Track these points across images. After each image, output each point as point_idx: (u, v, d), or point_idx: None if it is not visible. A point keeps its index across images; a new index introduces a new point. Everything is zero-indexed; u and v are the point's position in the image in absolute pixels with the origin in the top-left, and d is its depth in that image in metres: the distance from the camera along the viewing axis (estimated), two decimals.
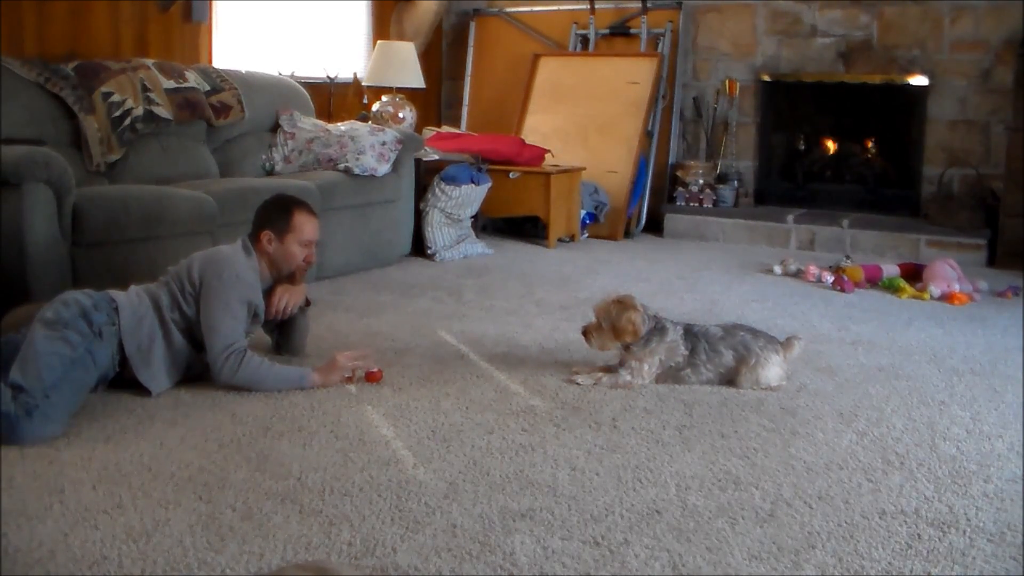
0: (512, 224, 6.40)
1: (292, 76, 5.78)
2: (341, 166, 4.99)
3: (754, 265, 5.52)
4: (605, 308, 3.19)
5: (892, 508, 2.30)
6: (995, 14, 5.93)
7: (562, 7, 7.14)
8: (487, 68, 7.39)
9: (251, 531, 2.09)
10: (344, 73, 6.41)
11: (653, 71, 6.59)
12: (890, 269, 5.07)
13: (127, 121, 4.44)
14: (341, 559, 1.99)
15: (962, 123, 6.12)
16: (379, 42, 6.42)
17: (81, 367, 2.73)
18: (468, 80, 7.44)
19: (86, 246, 3.68)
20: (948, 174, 6.14)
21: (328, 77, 6.21)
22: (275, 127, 5.28)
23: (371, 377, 3.17)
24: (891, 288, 4.84)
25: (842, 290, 4.82)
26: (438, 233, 5.50)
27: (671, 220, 6.61)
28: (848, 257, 5.45)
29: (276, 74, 5.66)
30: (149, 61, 4.76)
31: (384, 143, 5.13)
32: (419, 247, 5.51)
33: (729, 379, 3.21)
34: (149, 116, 4.55)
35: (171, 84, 4.71)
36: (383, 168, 5.09)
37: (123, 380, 2.93)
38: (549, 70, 6.96)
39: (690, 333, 3.23)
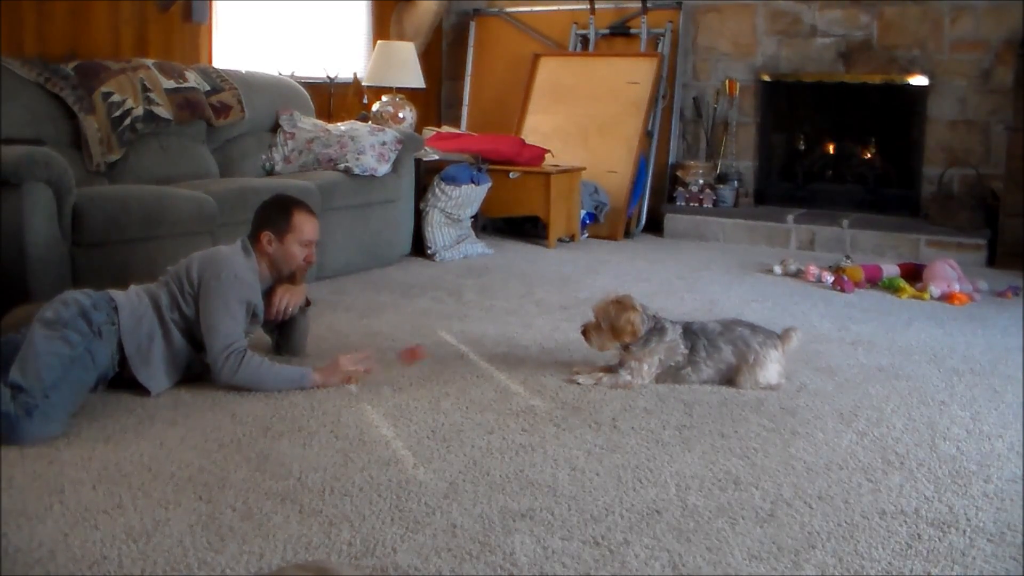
0: (512, 224, 6.40)
1: (292, 76, 5.78)
2: (341, 166, 4.99)
3: (754, 265, 5.52)
4: (604, 308, 3.19)
5: (892, 508, 2.30)
6: (995, 14, 5.93)
7: (562, 7, 7.14)
8: (487, 68, 7.39)
9: (251, 531, 2.09)
10: (344, 73, 6.41)
11: (653, 71, 6.59)
12: (890, 269, 5.07)
13: (127, 121, 4.44)
14: (341, 559, 1.99)
15: (962, 123, 6.12)
16: (379, 42, 6.42)
17: (81, 367, 2.73)
18: (468, 80, 7.44)
19: (86, 246, 3.68)
20: (948, 174, 6.14)
21: (328, 77, 6.21)
22: (275, 127, 5.28)
23: (412, 354, 3.16)
24: (891, 288, 4.84)
25: (842, 290, 4.82)
26: (438, 233, 5.50)
27: (671, 220, 6.61)
28: (848, 257, 5.45)
29: (276, 74, 5.66)
30: (149, 61, 4.76)
31: (384, 143, 5.13)
32: (419, 247, 5.51)
33: (729, 377, 3.21)
34: (149, 116, 4.55)
35: (171, 84, 4.72)
36: (383, 168, 5.09)
37: (123, 380, 2.93)
38: (549, 70, 6.96)
39: (689, 331, 3.23)
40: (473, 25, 7.43)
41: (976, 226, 5.85)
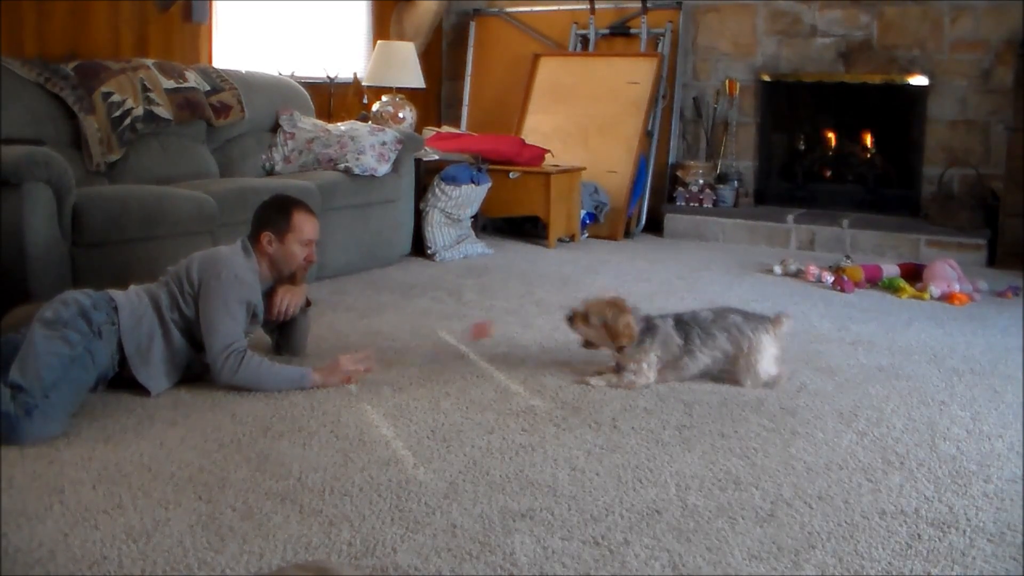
0: (512, 224, 6.40)
1: (292, 76, 5.78)
2: (341, 166, 4.99)
3: (754, 265, 5.52)
4: (600, 308, 3.18)
5: (892, 508, 2.30)
6: (995, 14, 5.93)
7: (562, 7, 7.14)
8: (487, 68, 7.39)
9: (251, 531, 2.09)
10: (344, 73, 6.41)
11: (653, 71, 6.59)
12: (890, 269, 5.07)
13: (127, 121, 4.44)
14: (341, 559, 1.99)
15: (962, 123, 6.12)
16: (379, 42, 6.42)
17: (80, 366, 2.73)
18: (468, 80, 7.44)
19: (86, 246, 3.68)
20: (948, 174, 6.14)
21: (328, 77, 6.21)
22: (275, 127, 5.28)
23: (480, 331, 3.18)
24: (891, 288, 4.84)
25: (842, 290, 4.82)
26: (438, 233, 5.50)
27: (671, 220, 6.61)
28: (848, 257, 5.45)
29: (276, 74, 5.66)
30: (149, 61, 4.76)
31: (384, 143, 5.13)
32: (419, 247, 5.51)
33: (727, 365, 3.22)
34: (149, 116, 4.55)
35: (171, 84, 4.72)
36: (383, 168, 5.09)
37: (123, 380, 2.93)
38: (549, 70, 6.96)
39: (681, 322, 3.23)
40: (473, 25, 7.43)
41: (976, 226, 5.85)
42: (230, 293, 3.01)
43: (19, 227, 3.44)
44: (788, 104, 6.75)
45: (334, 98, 6.27)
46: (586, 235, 6.40)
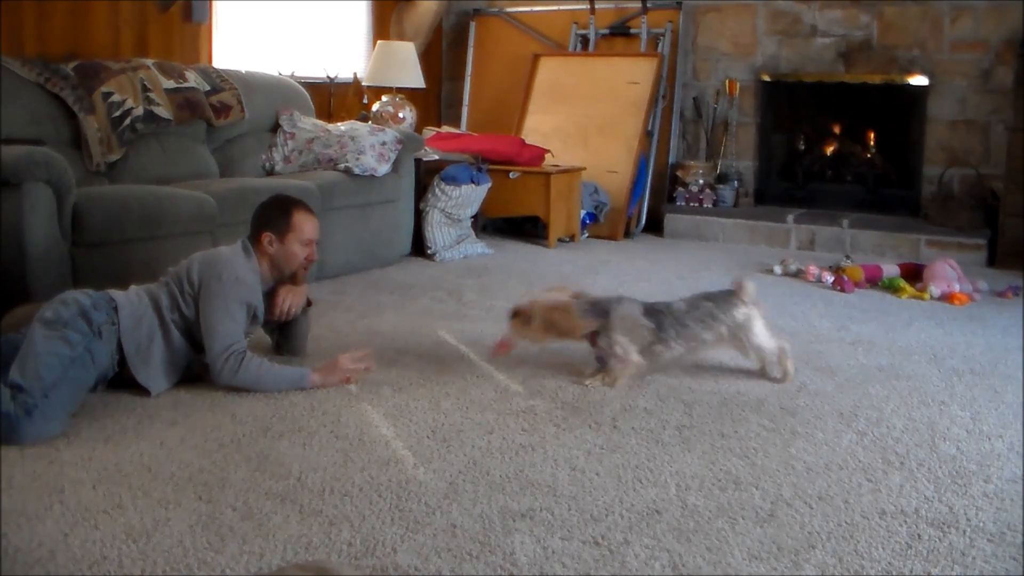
0: (512, 224, 6.41)
1: (292, 76, 5.78)
2: (341, 166, 4.99)
3: (754, 265, 5.52)
4: (544, 309, 3.18)
5: (892, 508, 2.30)
6: (995, 14, 5.93)
7: (562, 7, 7.14)
8: (487, 68, 7.39)
9: (251, 531, 2.09)
10: (344, 73, 6.41)
11: (653, 71, 6.59)
12: (890, 269, 5.07)
13: (127, 121, 4.44)
14: (341, 559, 1.99)
15: (962, 123, 6.12)
16: (379, 42, 6.42)
17: (80, 366, 2.73)
18: (468, 80, 7.44)
19: (86, 246, 3.68)
20: (948, 174, 6.14)
21: (328, 77, 6.21)
22: (275, 127, 5.28)
23: (503, 347, 3.24)
24: (891, 288, 4.84)
25: (842, 290, 4.82)
26: (438, 233, 5.50)
27: (671, 220, 6.61)
28: (848, 257, 5.45)
29: (276, 74, 5.66)
30: (149, 61, 4.76)
31: (384, 143, 5.13)
32: (419, 247, 5.51)
33: (709, 349, 3.25)
34: (149, 116, 4.55)
35: (171, 84, 4.72)
36: (383, 168, 5.09)
37: (123, 380, 2.93)
38: (549, 70, 6.96)
39: (653, 310, 3.23)
40: (473, 25, 7.43)
41: (976, 226, 5.85)
42: (230, 294, 3.01)
43: (19, 227, 3.44)
44: (788, 104, 6.75)
45: (334, 98, 6.27)
46: (586, 235, 6.40)
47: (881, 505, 2.31)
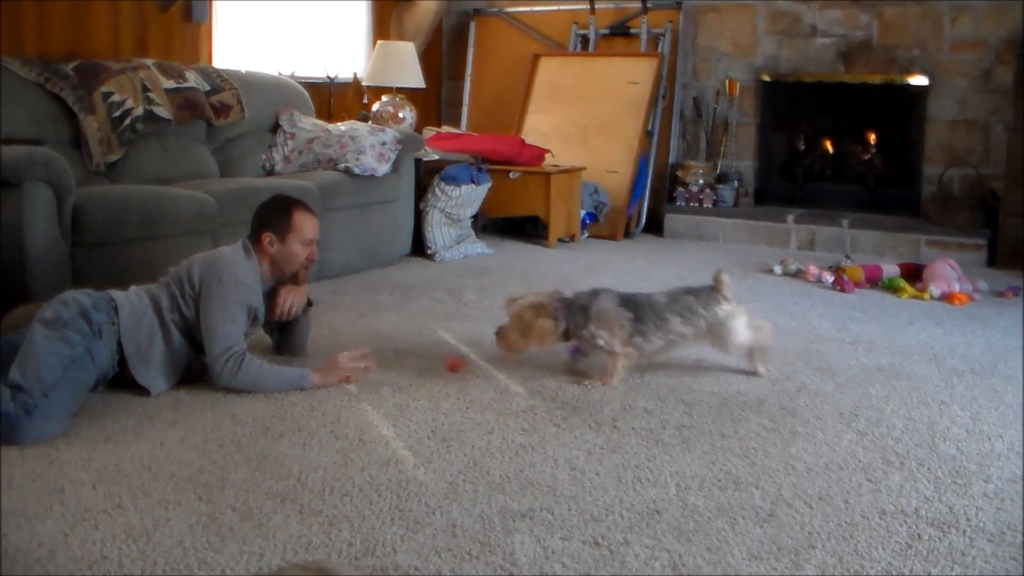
0: (512, 224, 6.40)
1: (292, 76, 5.78)
2: (341, 166, 4.99)
3: (754, 265, 5.52)
4: (518, 315, 3.20)
5: (892, 508, 2.30)
6: (995, 14, 5.93)
7: (562, 7, 7.14)
8: (487, 68, 7.39)
9: (251, 531, 2.09)
10: (344, 73, 6.41)
11: (653, 71, 6.59)
12: (890, 269, 5.07)
13: (127, 121, 4.44)
14: (341, 559, 1.99)
15: (962, 123, 6.12)
16: (379, 42, 6.42)
17: (80, 367, 2.73)
18: (468, 80, 7.44)
19: (86, 246, 3.68)
20: (948, 174, 6.14)
21: (328, 77, 6.21)
22: (275, 127, 5.28)
23: (455, 365, 3.24)
24: (891, 288, 4.84)
25: (842, 290, 4.82)
26: (438, 233, 5.50)
27: (671, 220, 6.61)
28: (848, 257, 5.45)
29: (276, 74, 5.66)
30: (149, 61, 4.76)
31: (384, 143, 5.13)
32: (419, 247, 5.51)
33: (682, 346, 3.26)
34: (149, 116, 4.55)
35: (171, 84, 4.72)
36: (383, 168, 5.09)
37: (123, 380, 2.93)
38: (549, 70, 6.96)
39: (632, 302, 3.24)
40: (473, 25, 7.43)
41: (976, 226, 5.85)
42: (231, 296, 3.01)
43: (19, 227, 3.44)
44: (788, 104, 6.75)
45: (334, 98, 6.27)
46: (586, 235, 6.40)
47: (881, 505, 2.31)
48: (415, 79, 6.28)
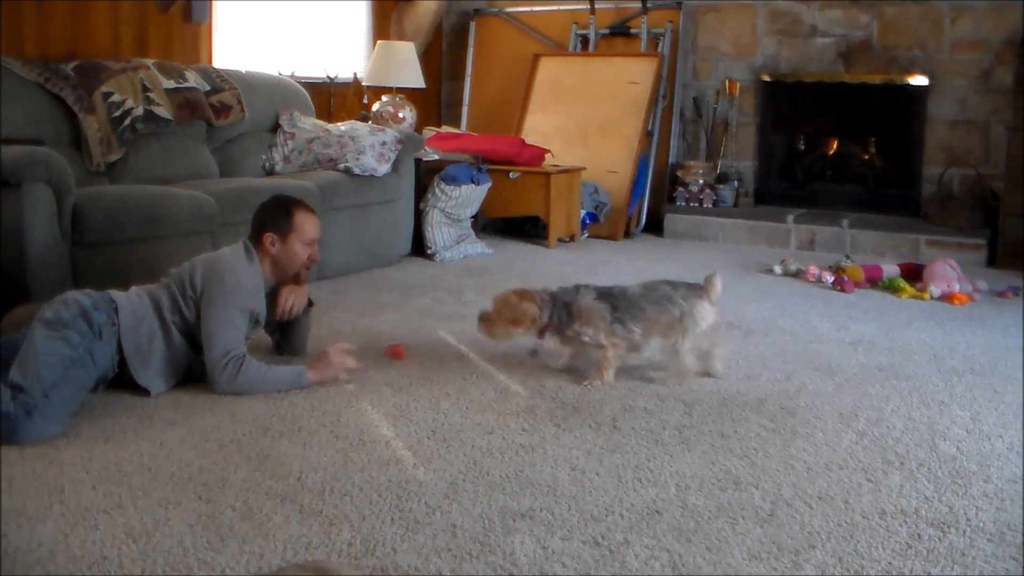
0: (512, 224, 6.40)
1: (292, 76, 5.78)
2: (341, 166, 4.99)
3: (754, 265, 5.52)
4: (502, 300, 3.23)
5: (892, 508, 2.30)
6: (995, 14, 5.93)
7: (562, 7, 7.14)
8: (487, 68, 7.39)
9: (251, 531, 2.09)
10: (344, 73, 6.41)
11: (653, 71, 6.59)
12: (890, 269, 5.07)
13: (127, 121, 4.44)
14: (341, 559, 1.99)
15: (962, 123, 6.12)
16: (379, 42, 6.42)
17: (81, 367, 2.72)
18: (468, 80, 7.44)
19: (86, 246, 3.68)
20: (948, 174, 6.14)
21: (328, 77, 6.21)
22: (275, 127, 5.28)
23: (395, 352, 3.21)
24: (891, 288, 4.84)
25: (842, 290, 4.82)
26: (438, 233, 5.50)
27: (671, 220, 6.61)
28: (848, 257, 5.45)
29: (276, 74, 5.66)
30: (149, 61, 4.76)
31: (384, 143, 5.13)
32: (419, 247, 5.51)
33: (663, 335, 3.25)
34: (149, 116, 4.55)
35: (171, 84, 4.72)
36: (383, 168, 5.09)
37: (123, 380, 2.93)
38: (549, 70, 6.96)
39: (608, 295, 3.25)
40: (473, 25, 7.43)
41: (976, 226, 5.85)
42: (232, 301, 3.01)
43: (19, 227, 3.44)
44: (788, 104, 6.75)
45: (334, 98, 6.27)
46: (586, 235, 6.40)
47: (881, 505, 2.31)
48: (415, 79, 6.28)
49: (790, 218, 6.29)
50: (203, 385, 3.04)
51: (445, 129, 6.62)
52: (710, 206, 6.56)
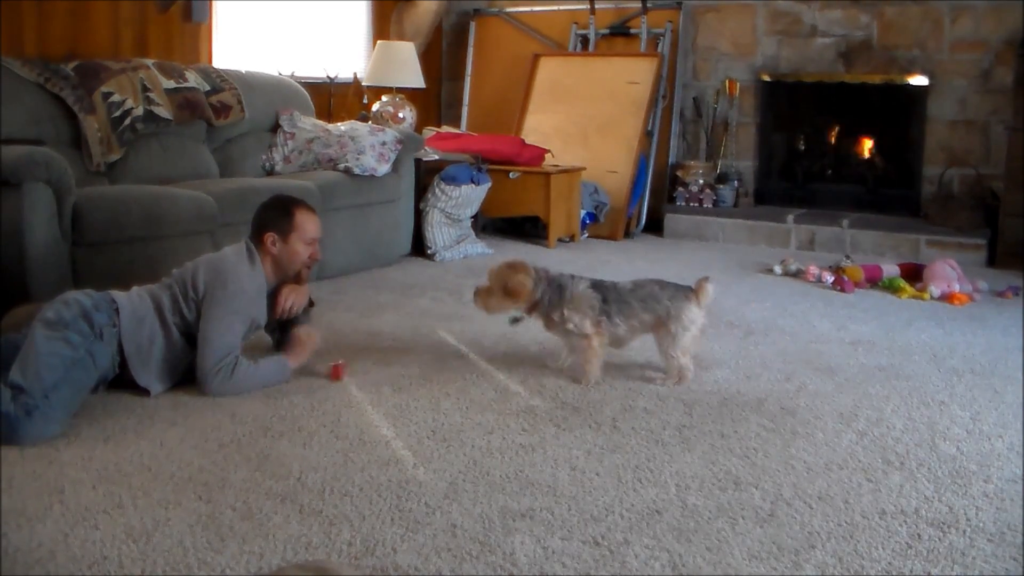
0: (512, 224, 6.40)
1: (292, 76, 5.78)
2: (341, 166, 4.99)
3: (754, 265, 5.52)
4: (497, 272, 3.24)
5: (892, 508, 2.30)
6: (995, 14, 5.93)
7: (562, 7, 7.14)
8: (487, 68, 7.39)
9: (251, 531, 2.09)
10: (344, 73, 6.41)
11: (653, 71, 6.59)
12: (890, 269, 5.07)
13: (127, 121, 4.44)
14: (341, 559, 1.99)
15: (962, 123, 6.12)
16: (379, 42, 6.42)
17: (81, 368, 2.72)
18: (468, 80, 7.44)
19: (86, 246, 3.68)
20: (948, 174, 6.14)
21: (328, 77, 6.21)
22: (275, 127, 5.28)
23: (336, 372, 3.19)
24: (891, 288, 4.84)
25: (842, 290, 4.82)
26: (438, 233, 5.50)
27: (671, 220, 6.61)
28: (848, 257, 5.45)
29: (276, 74, 5.66)
30: (149, 61, 4.76)
31: (384, 143, 5.13)
32: (419, 247, 5.51)
33: (650, 333, 3.26)
34: (149, 116, 4.55)
35: (171, 84, 4.72)
36: (383, 168, 5.09)
37: (123, 380, 2.93)
38: (549, 70, 6.96)
39: (600, 286, 3.27)
40: (473, 25, 7.43)
41: (976, 226, 5.85)
42: (233, 306, 3.01)
43: (19, 227, 3.44)
44: (788, 104, 6.75)
45: (334, 98, 6.27)
46: (586, 235, 6.40)
47: (881, 505, 2.31)
48: (415, 79, 6.28)
49: (790, 218, 6.29)
50: None
51: (445, 129, 6.62)
52: (710, 206, 6.56)
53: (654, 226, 6.68)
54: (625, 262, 5.60)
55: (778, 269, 5.29)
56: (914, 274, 5.00)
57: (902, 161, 6.48)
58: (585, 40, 7.05)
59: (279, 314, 3.24)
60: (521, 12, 7.31)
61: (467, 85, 7.44)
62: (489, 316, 3.38)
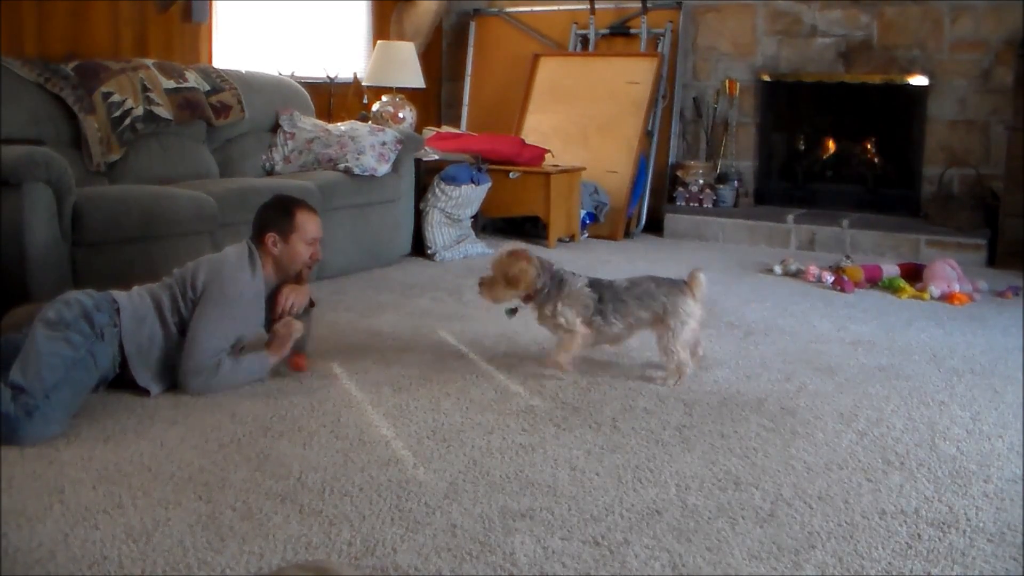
0: (512, 224, 6.40)
1: (292, 76, 5.78)
2: (341, 166, 4.99)
3: (754, 265, 5.52)
4: (499, 260, 3.26)
5: (892, 508, 2.30)
6: (995, 14, 5.93)
7: (562, 7, 7.14)
8: (487, 68, 7.39)
9: (251, 531, 2.09)
10: (344, 73, 6.41)
11: (653, 71, 6.59)
12: (890, 269, 5.07)
13: (127, 121, 4.44)
14: (341, 559, 1.99)
15: (962, 123, 6.12)
16: (379, 42, 6.42)
17: (82, 368, 2.72)
18: (468, 80, 7.44)
19: (86, 246, 3.68)
20: (948, 174, 6.14)
21: (328, 77, 6.21)
22: (275, 127, 5.28)
23: (296, 363, 3.19)
24: (891, 288, 4.84)
25: (842, 290, 4.82)
26: (438, 233, 5.50)
27: (671, 220, 6.61)
28: (848, 257, 5.45)
29: (276, 74, 5.66)
30: (149, 61, 4.76)
31: (384, 143, 5.13)
32: (419, 247, 5.51)
33: (649, 329, 3.27)
34: (149, 116, 4.55)
35: (171, 84, 4.72)
36: (383, 168, 5.09)
37: (123, 380, 2.93)
38: (549, 70, 6.96)
39: (598, 284, 3.28)
40: (473, 25, 7.43)
41: (976, 226, 5.85)
42: (228, 311, 3.00)
43: (19, 227, 3.44)
44: (788, 104, 6.75)
45: (334, 98, 6.27)
46: (586, 235, 6.40)
47: (881, 505, 2.31)
48: (415, 79, 6.28)
49: (790, 218, 6.29)
50: None
51: (445, 129, 6.62)
52: (710, 206, 6.56)
53: (654, 226, 6.68)
54: (625, 262, 5.60)
55: (778, 269, 5.29)
56: (914, 274, 5.00)
57: (902, 161, 6.48)
58: (585, 40, 7.05)
59: (280, 314, 3.24)
60: (521, 12, 7.31)
61: (467, 85, 7.44)
62: (491, 311, 3.39)
